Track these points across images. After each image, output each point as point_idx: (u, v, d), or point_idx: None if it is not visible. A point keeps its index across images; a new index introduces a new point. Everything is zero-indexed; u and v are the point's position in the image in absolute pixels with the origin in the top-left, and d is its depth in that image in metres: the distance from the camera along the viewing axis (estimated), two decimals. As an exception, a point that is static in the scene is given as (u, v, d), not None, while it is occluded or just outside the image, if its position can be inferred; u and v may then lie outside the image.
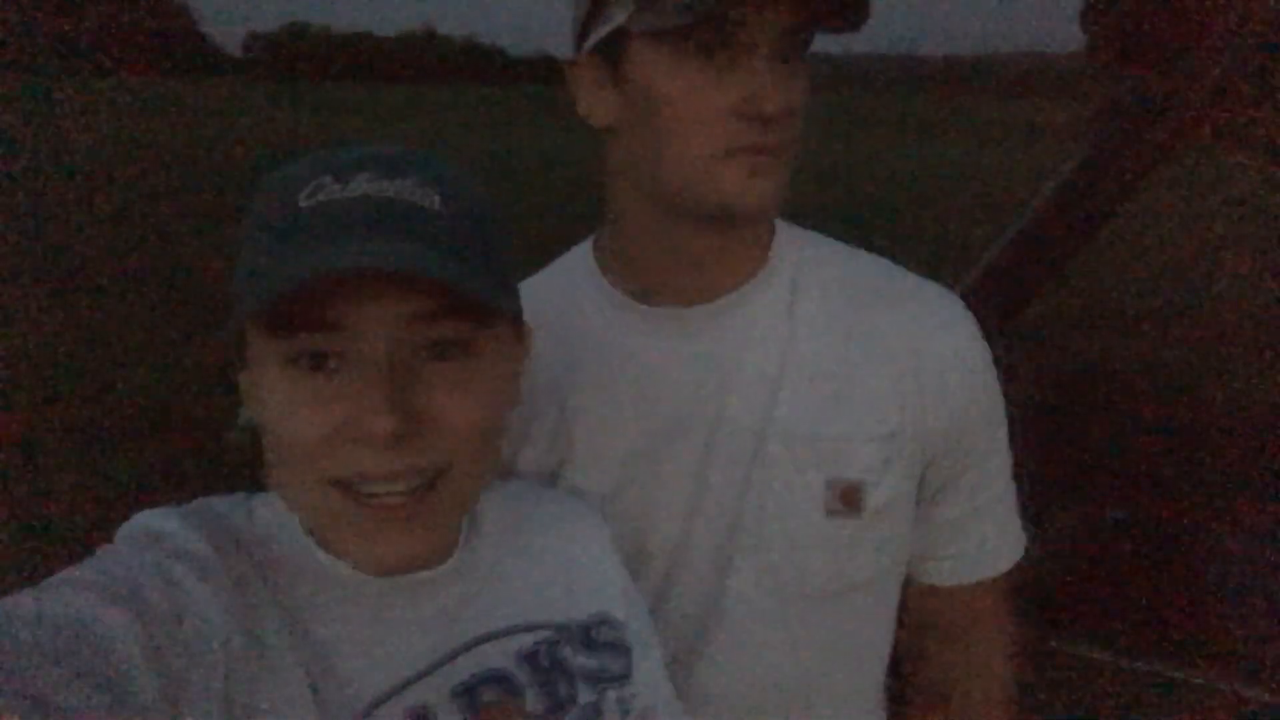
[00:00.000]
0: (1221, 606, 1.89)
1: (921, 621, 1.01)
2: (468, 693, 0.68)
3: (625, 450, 0.92)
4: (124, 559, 0.59)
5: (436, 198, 0.62)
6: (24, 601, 0.52)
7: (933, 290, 0.94)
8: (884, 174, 14.96)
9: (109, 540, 0.64)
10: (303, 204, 0.60)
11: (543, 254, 1.04)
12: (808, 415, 0.88)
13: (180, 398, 4.87)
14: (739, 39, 0.78)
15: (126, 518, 0.65)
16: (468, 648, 0.69)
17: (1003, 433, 0.95)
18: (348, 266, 0.55)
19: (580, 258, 0.98)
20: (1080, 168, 1.69)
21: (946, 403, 0.89)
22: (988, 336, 0.95)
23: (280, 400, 0.60)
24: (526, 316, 0.79)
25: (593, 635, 0.75)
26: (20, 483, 3.87)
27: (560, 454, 0.93)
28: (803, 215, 0.94)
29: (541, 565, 0.77)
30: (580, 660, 0.74)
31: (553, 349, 0.93)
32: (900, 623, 0.99)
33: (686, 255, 0.90)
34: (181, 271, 7.67)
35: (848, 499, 0.87)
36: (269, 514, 0.68)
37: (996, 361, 0.94)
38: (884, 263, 0.96)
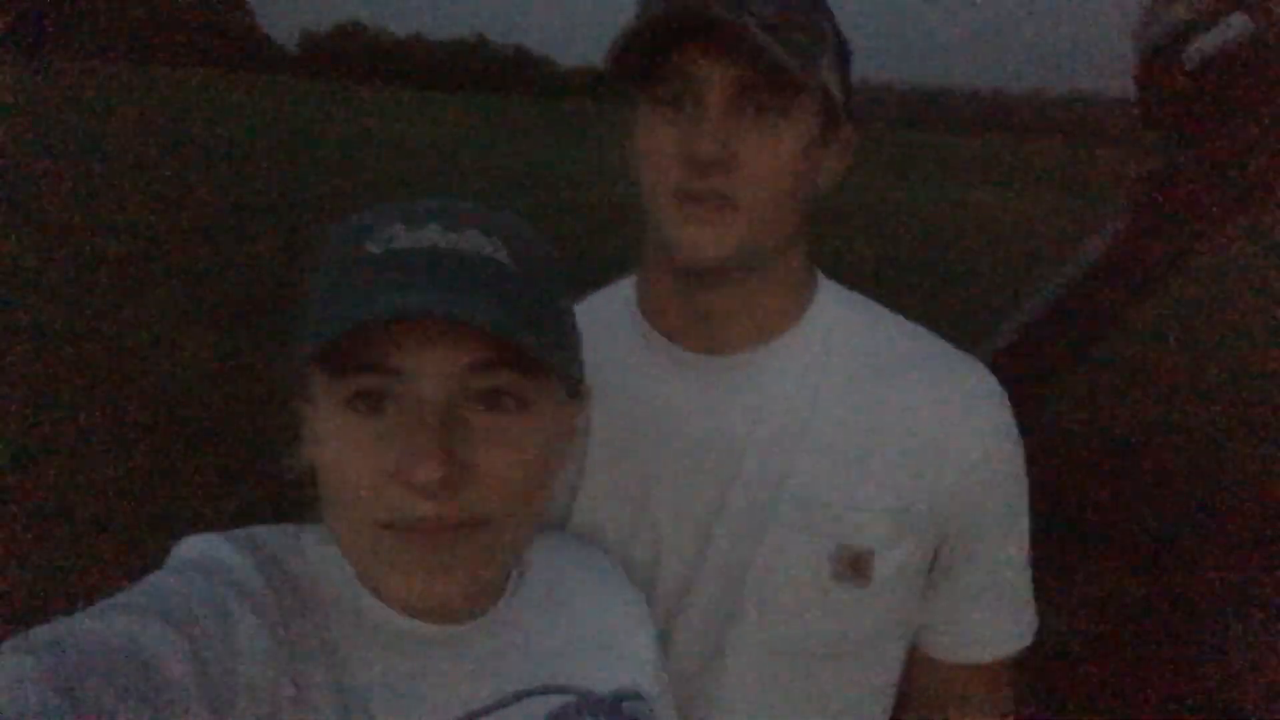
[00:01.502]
0: (1239, 684, 1.84)
1: (922, 691, 1.00)
2: None
3: (638, 488, 0.92)
4: (179, 586, 0.60)
5: (505, 252, 0.63)
6: (80, 622, 0.53)
7: (966, 365, 0.93)
8: (922, 215, 14.86)
9: (128, 541, 0.65)
10: (372, 250, 0.62)
11: (582, 271, 1.05)
12: (823, 480, 0.88)
13: (220, 400, 4.91)
14: (689, 89, 0.81)
15: (137, 517, 0.65)
16: (503, 704, 0.69)
17: (1022, 516, 0.94)
18: (404, 311, 0.57)
19: (625, 289, 1.00)
20: (1126, 234, 1.66)
21: (965, 481, 0.88)
22: (1017, 400, 0.93)
23: (335, 441, 0.62)
24: None
25: (622, 707, 0.75)
26: (35, 483, 3.91)
27: (575, 480, 0.94)
28: (834, 257, 0.94)
29: (578, 628, 0.77)
30: None
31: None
32: (903, 685, 0.99)
33: (696, 306, 0.91)
34: (223, 267, 7.78)
35: (856, 567, 0.87)
36: (317, 550, 0.69)
37: (1025, 430, 0.92)
38: (921, 332, 0.96)
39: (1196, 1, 1.63)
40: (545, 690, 0.72)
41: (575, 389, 0.73)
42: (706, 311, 0.91)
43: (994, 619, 0.95)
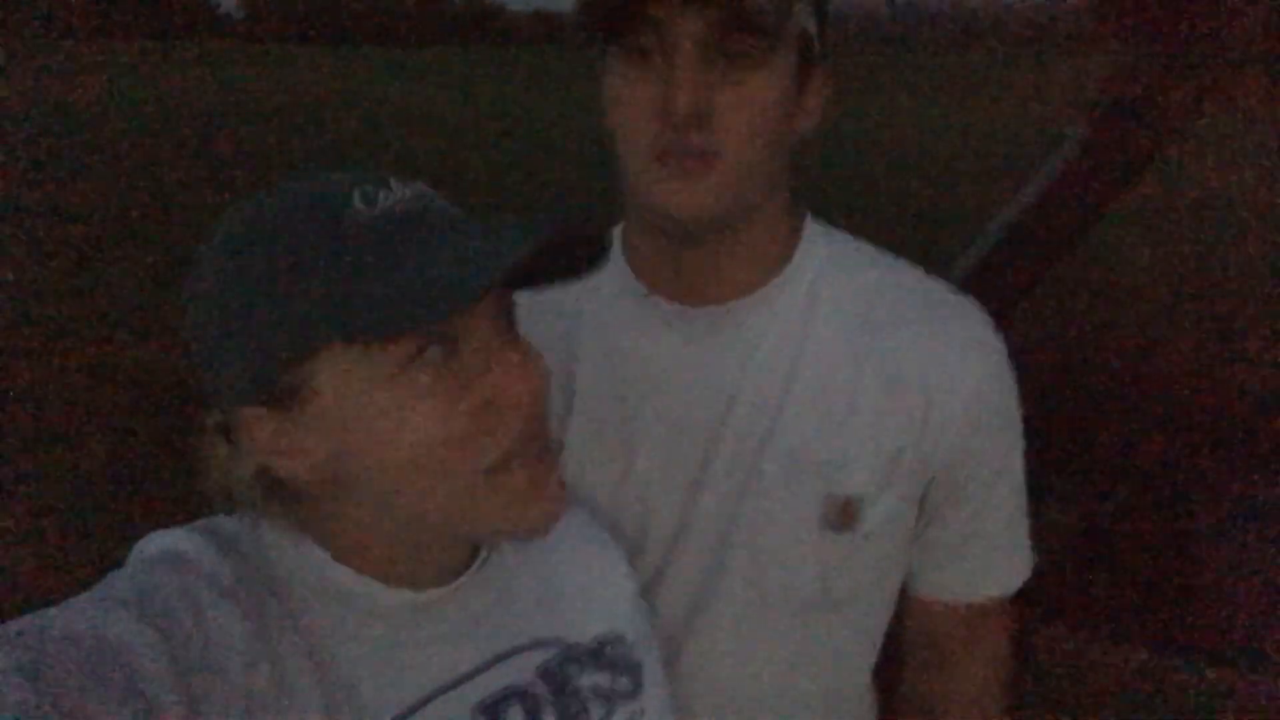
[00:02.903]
0: (1220, 593, 1.90)
1: (916, 635, 1.00)
2: (493, 706, 0.68)
3: (624, 442, 0.92)
4: (148, 579, 0.59)
5: (424, 190, 0.64)
6: (50, 616, 0.53)
7: (957, 305, 0.91)
8: (887, 134, 14.79)
9: (117, 521, 0.64)
10: (367, 212, 0.59)
11: (537, 214, 1.04)
12: (811, 428, 0.87)
13: (172, 371, 4.86)
14: (662, 40, 0.78)
15: (105, 508, 0.65)
16: (489, 664, 0.69)
17: (1016, 457, 0.93)
18: (504, 265, 0.56)
19: (611, 239, 0.98)
20: (1085, 144, 1.66)
21: (955, 426, 0.87)
22: (994, 317, 0.92)
23: (401, 410, 0.59)
24: (550, 292, 0.81)
25: (604, 652, 0.76)
26: (23, 467, 3.89)
27: (560, 435, 0.94)
28: (804, 176, 0.93)
29: (555, 581, 0.78)
30: (591, 677, 0.75)
31: (567, 333, 0.94)
32: (894, 634, 0.99)
33: (679, 259, 0.89)
34: (189, 241, 7.67)
35: (844, 514, 0.87)
36: (275, 536, 0.67)
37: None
38: (913, 272, 0.94)
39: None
40: (530, 646, 0.72)
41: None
42: (690, 264, 0.89)
43: (986, 558, 0.95)
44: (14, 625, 0.51)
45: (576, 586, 0.79)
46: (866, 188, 10.10)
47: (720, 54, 0.78)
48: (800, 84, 0.84)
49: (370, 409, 0.59)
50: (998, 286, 1.62)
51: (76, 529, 3.36)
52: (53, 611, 0.53)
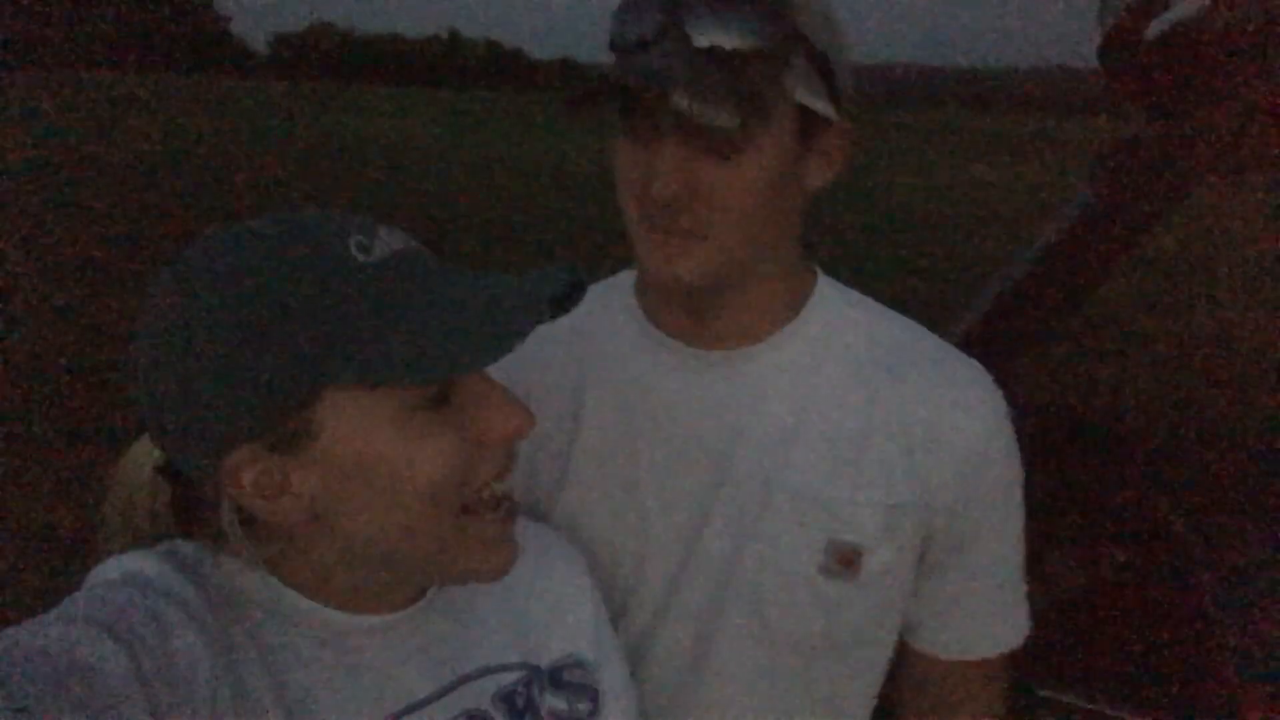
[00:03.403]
0: (1223, 659, 1.88)
1: (913, 686, 1.01)
2: None
3: (627, 478, 0.92)
4: (111, 597, 0.58)
5: (411, 240, 0.67)
6: (18, 633, 0.53)
7: (962, 366, 0.92)
8: (902, 188, 14.92)
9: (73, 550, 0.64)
10: (363, 259, 0.61)
11: (555, 262, 1.05)
12: (816, 474, 0.88)
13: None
14: (651, 122, 0.80)
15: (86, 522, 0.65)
16: (449, 689, 0.70)
17: (1015, 518, 0.94)
18: (525, 326, 0.60)
19: (625, 281, 1.00)
20: (1091, 207, 1.69)
21: (957, 483, 0.88)
22: (995, 374, 0.94)
23: (407, 450, 0.61)
24: (562, 331, 0.88)
25: (563, 676, 0.77)
26: (21, 487, 3.90)
27: (563, 471, 0.94)
28: (819, 226, 0.94)
29: (516, 602, 0.78)
30: (550, 701, 0.75)
31: (576, 366, 0.96)
32: (891, 677, 0.99)
33: (690, 306, 0.91)
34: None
35: (845, 561, 0.87)
36: (231, 560, 0.67)
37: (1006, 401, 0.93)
38: (919, 330, 0.95)
39: (1154, -22, 1.66)
40: (490, 670, 0.73)
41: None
42: (700, 311, 0.90)
43: (983, 618, 0.95)
44: None
45: (538, 608, 0.79)
46: (884, 241, 10.17)
47: (703, 143, 0.79)
48: (805, 151, 0.85)
49: (375, 449, 0.61)
50: (1004, 340, 1.64)
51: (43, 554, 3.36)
52: (18, 629, 0.53)
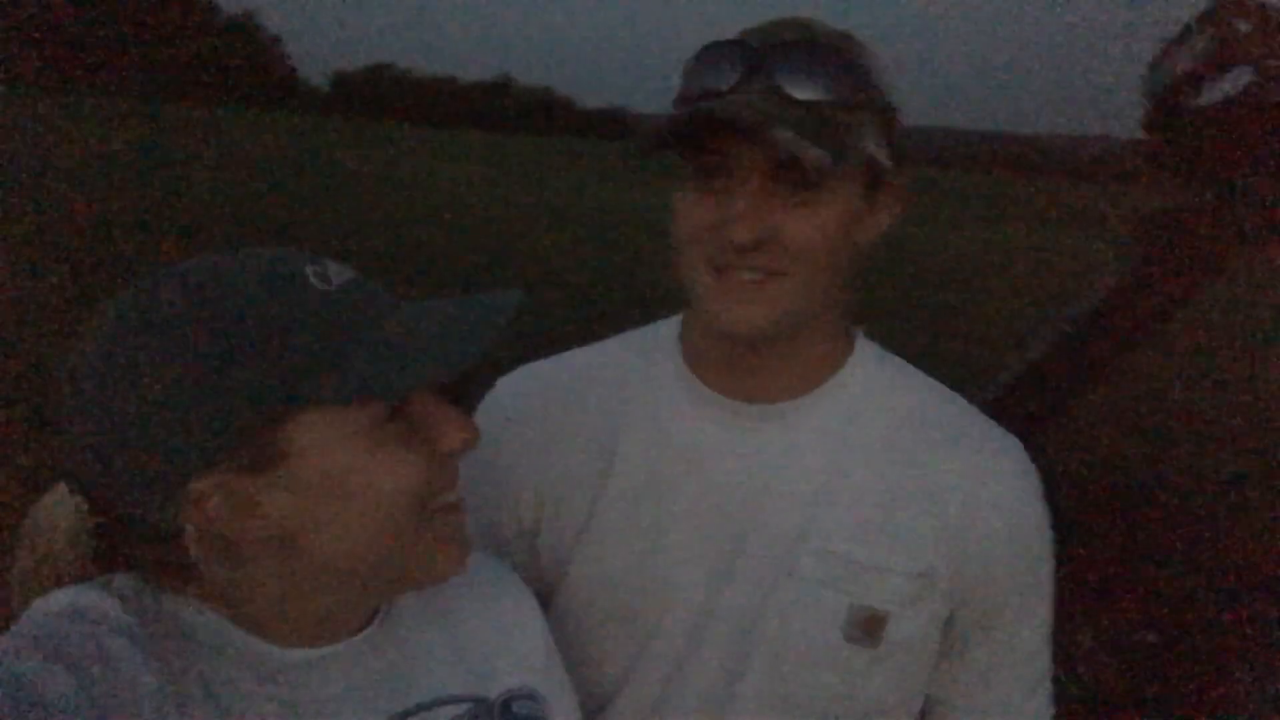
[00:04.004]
0: None
1: None
2: None
3: (653, 525, 0.92)
4: (57, 628, 0.59)
5: (338, 270, 0.69)
6: None
7: (999, 438, 0.92)
8: (946, 253, 14.86)
9: None
10: (323, 286, 0.65)
11: (594, 307, 1.07)
12: (844, 537, 0.87)
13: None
14: (727, 165, 0.81)
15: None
16: None
17: (1045, 599, 0.93)
18: (476, 350, 0.64)
19: (669, 328, 1.00)
20: (1130, 275, 1.68)
21: (987, 553, 0.88)
22: (1027, 438, 0.94)
23: (377, 464, 0.64)
24: (600, 374, 0.95)
25: (514, 708, 0.76)
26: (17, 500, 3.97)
27: (589, 514, 0.94)
28: (863, 289, 0.96)
29: (463, 635, 0.78)
30: None
31: (612, 409, 0.96)
32: None
33: (733, 359, 0.91)
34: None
35: (869, 627, 0.86)
36: (175, 596, 0.67)
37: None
38: (956, 399, 0.96)
39: (1203, 54, 1.68)
40: (436, 703, 0.72)
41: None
42: (743, 365, 0.91)
43: (1009, 697, 0.93)
44: None
45: (486, 639, 0.79)
46: (922, 302, 10.12)
47: (781, 185, 0.81)
48: (867, 203, 0.87)
49: (345, 465, 0.63)
50: (1037, 405, 1.63)
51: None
52: None
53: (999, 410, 0.95)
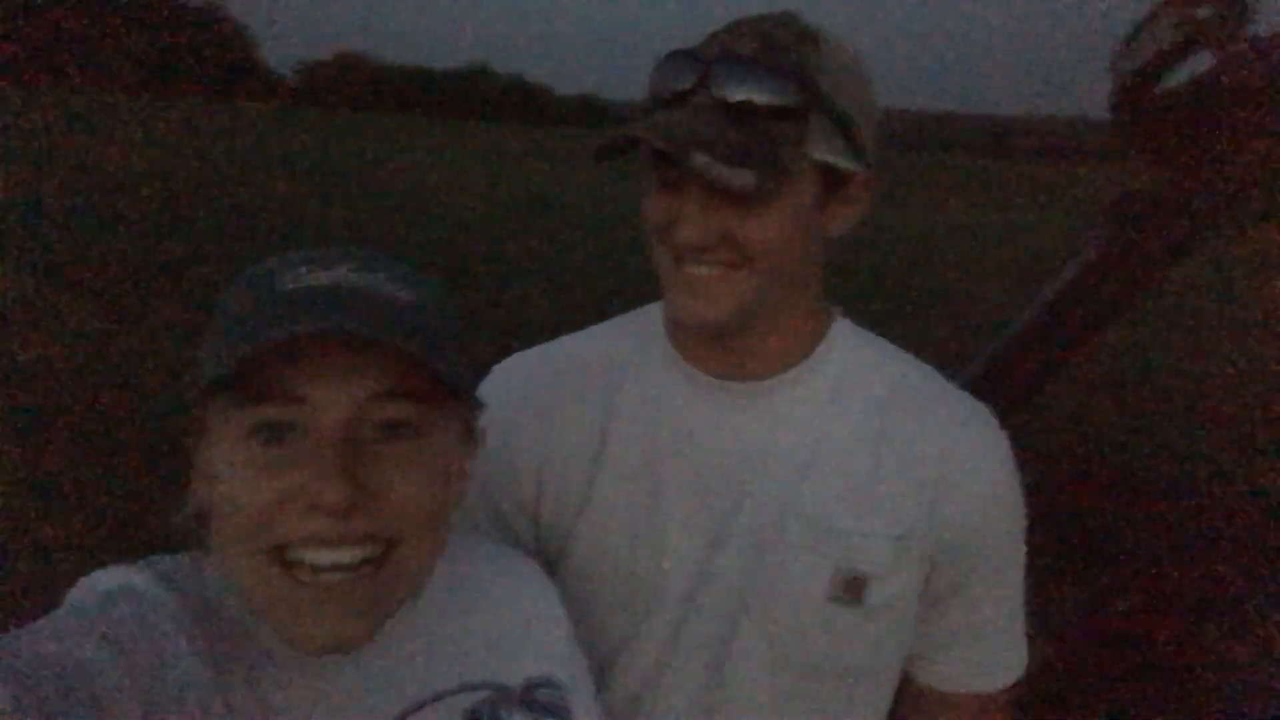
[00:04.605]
0: (1229, 698, 1.87)
1: (913, 717, 1.03)
2: None
3: (648, 501, 0.96)
4: (103, 606, 0.60)
5: (407, 291, 0.66)
6: (20, 637, 0.54)
7: (971, 409, 0.97)
8: (915, 234, 14.98)
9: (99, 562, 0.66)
10: (278, 289, 0.63)
11: (571, 296, 1.09)
12: (828, 505, 0.92)
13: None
14: (678, 172, 0.85)
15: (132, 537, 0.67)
16: (416, 709, 0.71)
17: (1016, 558, 0.97)
18: (308, 332, 0.58)
19: (655, 313, 1.04)
20: (1099, 254, 1.72)
21: (962, 518, 0.92)
22: (1001, 416, 0.97)
23: (234, 469, 0.62)
24: (591, 358, 0.92)
25: (534, 696, 0.77)
26: (28, 505, 3.93)
27: (586, 493, 0.98)
28: (832, 271, 0.98)
29: (484, 624, 0.79)
30: None
31: (606, 393, 0.99)
32: (895, 709, 1.01)
33: (710, 341, 0.95)
34: (211, 291, 7.81)
35: (851, 590, 0.91)
36: (217, 578, 0.69)
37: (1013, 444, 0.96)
38: (930, 373, 1.00)
39: (1166, 38, 1.71)
40: (458, 690, 0.73)
41: (470, 413, 0.74)
42: (724, 345, 0.95)
43: (982, 653, 0.98)
44: None
45: (509, 628, 0.80)
46: (895, 282, 10.21)
47: (726, 190, 0.82)
48: (829, 198, 0.89)
49: (220, 467, 0.63)
50: (1012, 382, 1.67)
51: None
52: (16, 634, 0.55)
53: (979, 386, 0.97)
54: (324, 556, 0.62)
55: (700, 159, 0.79)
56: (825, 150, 0.86)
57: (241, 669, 0.65)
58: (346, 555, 0.62)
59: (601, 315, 1.09)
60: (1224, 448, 5.01)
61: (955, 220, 17.86)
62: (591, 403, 0.99)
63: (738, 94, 0.82)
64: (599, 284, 8.52)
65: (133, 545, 3.50)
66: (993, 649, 0.98)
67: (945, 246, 13.98)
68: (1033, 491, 0.97)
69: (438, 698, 0.73)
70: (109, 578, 0.65)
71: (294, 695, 0.67)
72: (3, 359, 5.71)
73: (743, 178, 0.79)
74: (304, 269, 0.64)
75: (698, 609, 0.94)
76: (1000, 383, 1.59)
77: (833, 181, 0.89)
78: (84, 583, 0.65)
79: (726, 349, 0.95)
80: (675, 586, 0.94)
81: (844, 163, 0.87)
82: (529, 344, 1.07)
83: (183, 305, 7.30)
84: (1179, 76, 1.77)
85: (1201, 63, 1.72)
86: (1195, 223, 1.74)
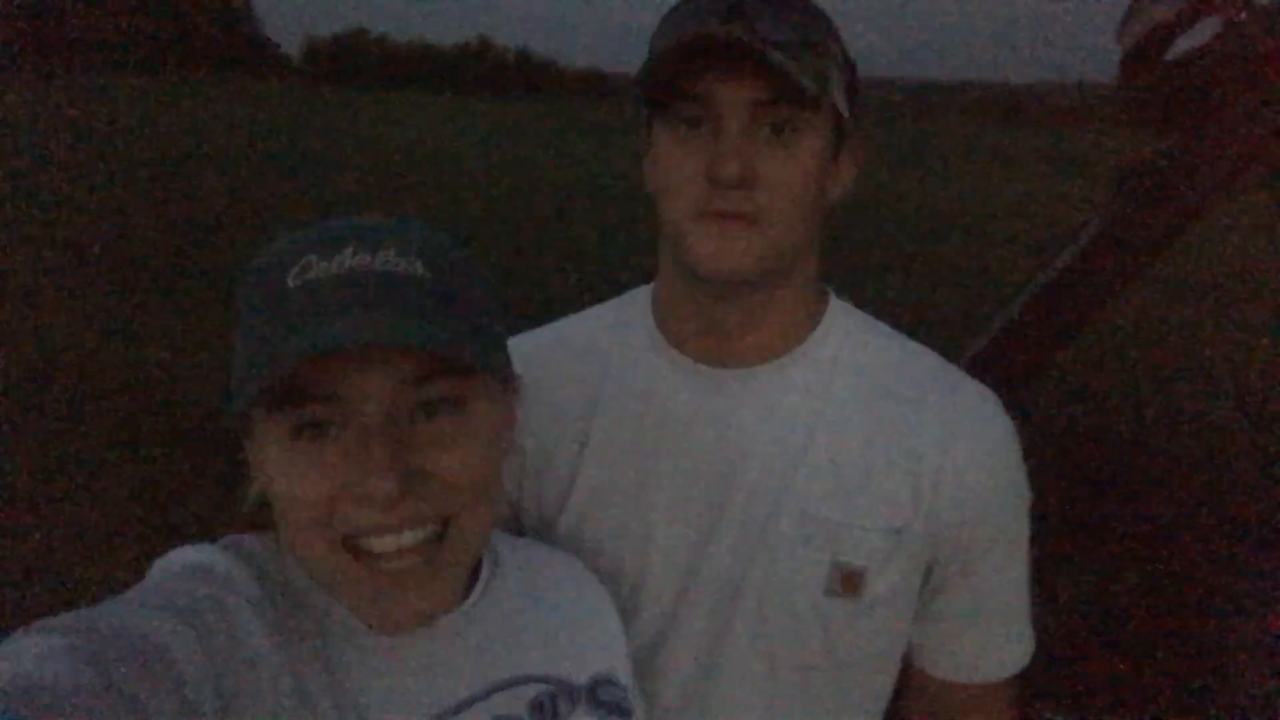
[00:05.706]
0: (1228, 684, 1.88)
1: (916, 707, 1.02)
2: None
3: (634, 492, 0.94)
4: (179, 586, 0.61)
5: (420, 265, 0.65)
6: (98, 614, 0.55)
7: (972, 393, 0.93)
8: (922, 203, 14.86)
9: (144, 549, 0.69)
10: (290, 284, 0.62)
11: (580, 270, 1.09)
12: (823, 496, 0.89)
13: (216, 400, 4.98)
14: (711, 111, 0.83)
15: (159, 526, 0.69)
16: (486, 694, 0.72)
17: (1021, 545, 0.95)
18: (338, 345, 0.58)
19: (641, 296, 1.02)
20: (1108, 224, 1.72)
21: (961, 506, 0.89)
22: (1005, 393, 0.95)
23: (285, 469, 0.63)
24: (577, 344, 0.89)
25: (598, 694, 0.78)
26: (54, 489, 3.97)
27: (570, 481, 0.96)
28: (838, 241, 0.98)
29: (554, 620, 0.80)
30: (582, 716, 0.76)
31: (589, 380, 0.97)
32: (897, 700, 1.00)
33: (709, 319, 0.92)
34: (234, 272, 7.83)
35: (848, 583, 0.88)
36: (294, 564, 0.70)
37: (1017, 417, 0.94)
38: (929, 356, 0.97)
39: (1172, 5, 1.71)
40: (525, 680, 0.74)
41: (507, 379, 0.74)
42: (718, 325, 0.92)
43: (987, 641, 0.96)
44: (66, 618, 0.54)
45: (573, 628, 0.81)
46: (900, 252, 10.15)
47: (764, 124, 0.83)
48: (834, 155, 0.89)
49: (271, 466, 0.64)
50: (1018, 357, 1.67)
51: (107, 556, 3.44)
52: (94, 610, 0.56)
53: (983, 364, 0.97)
54: (386, 544, 0.64)
55: (776, 56, 0.78)
56: (840, 96, 0.87)
57: (315, 649, 0.66)
58: (407, 539, 0.64)
59: (609, 288, 1.08)
60: (1229, 423, 4.99)
61: (966, 188, 17.70)
62: (576, 389, 0.97)
63: (773, 25, 0.81)
64: (607, 256, 8.50)
65: (159, 528, 3.58)
66: (997, 637, 0.96)
67: (956, 214, 13.87)
68: (1034, 471, 0.95)
69: (509, 684, 0.74)
70: (189, 556, 0.65)
71: (367, 677, 0.68)
72: (20, 336, 5.76)
73: (810, 82, 0.80)
74: (312, 255, 0.63)
75: (689, 603, 0.92)
76: (1006, 358, 1.59)
77: (838, 134, 0.89)
78: (160, 561, 0.66)
79: (723, 332, 0.92)
80: (662, 585, 0.93)
81: (847, 110, 0.88)
82: (536, 318, 1.06)
83: (199, 283, 7.33)
84: (1184, 44, 1.76)
85: (1206, 30, 1.71)
86: (1203, 190, 1.73)
